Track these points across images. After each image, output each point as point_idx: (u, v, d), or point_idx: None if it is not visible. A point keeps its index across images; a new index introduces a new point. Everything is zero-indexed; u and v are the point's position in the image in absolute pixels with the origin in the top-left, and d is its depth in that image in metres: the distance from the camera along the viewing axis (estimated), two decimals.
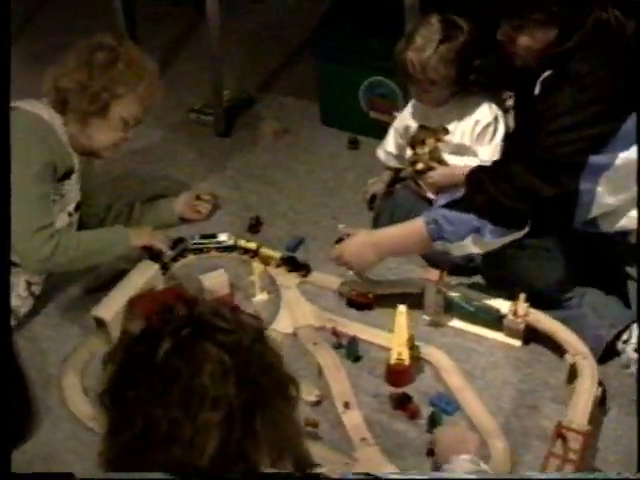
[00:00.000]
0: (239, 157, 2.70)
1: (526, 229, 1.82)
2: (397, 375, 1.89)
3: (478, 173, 1.87)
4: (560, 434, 1.66)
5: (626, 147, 1.71)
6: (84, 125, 2.03)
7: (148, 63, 2.07)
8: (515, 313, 1.94)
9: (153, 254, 2.16)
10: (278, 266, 2.19)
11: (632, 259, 1.89)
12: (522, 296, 1.95)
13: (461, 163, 2.14)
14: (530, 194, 1.77)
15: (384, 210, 2.30)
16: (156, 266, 2.15)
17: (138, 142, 2.57)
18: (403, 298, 2.06)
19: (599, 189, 1.75)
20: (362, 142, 2.70)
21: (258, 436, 1.05)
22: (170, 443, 1.01)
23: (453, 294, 2.01)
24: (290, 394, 1.12)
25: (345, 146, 2.70)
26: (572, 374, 1.85)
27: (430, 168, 2.17)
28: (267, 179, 2.59)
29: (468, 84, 2.09)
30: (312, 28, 3.01)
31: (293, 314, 2.07)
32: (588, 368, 1.82)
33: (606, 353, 1.92)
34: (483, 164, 2.05)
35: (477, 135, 2.11)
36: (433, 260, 2.13)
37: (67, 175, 2.02)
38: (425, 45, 2.01)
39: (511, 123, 2.18)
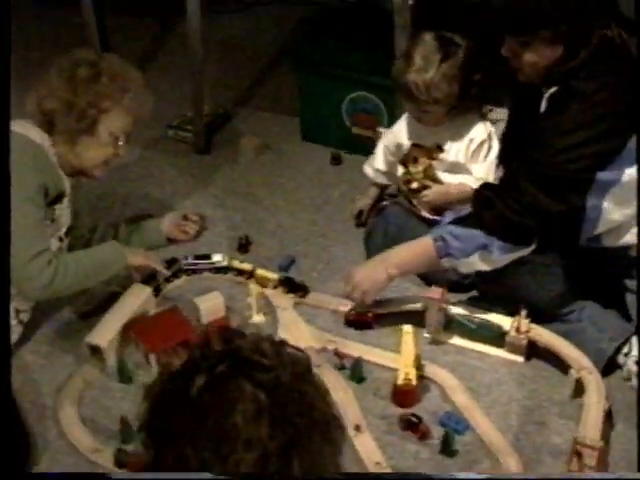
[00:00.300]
0: (221, 174, 2.66)
1: (533, 246, 1.84)
2: (404, 395, 1.87)
3: (485, 190, 1.87)
4: (575, 450, 1.68)
5: (632, 163, 1.74)
6: (73, 144, 1.97)
7: (132, 73, 2.02)
8: (518, 329, 1.95)
9: (146, 275, 2.11)
10: (275, 287, 2.16)
11: (631, 272, 1.93)
12: (523, 312, 1.96)
13: (455, 181, 2.15)
14: (538, 210, 1.79)
15: (376, 227, 2.28)
16: (148, 289, 2.10)
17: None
18: (402, 317, 2.06)
19: (605, 205, 1.78)
20: (345, 158, 2.69)
21: (293, 471, 1.02)
22: None
23: (454, 311, 2.02)
24: (332, 435, 1.09)
25: (328, 162, 2.68)
26: (578, 389, 1.87)
27: (425, 187, 2.17)
28: (252, 197, 2.55)
29: (469, 100, 2.09)
30: (285, 41, 3.01)
31: (292, 336, 2.03)
32: (594, 382, 1.83)
33: (607, 366, 1.94)
34: (486, 182, 2.08)
35: (472, 153, 2.12)
36: (429, 278, 2.14)
37: (58, 198, 1.95)
38: (427, 65, 2.01)
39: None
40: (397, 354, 1.93)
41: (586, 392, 1.82)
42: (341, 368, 1.95)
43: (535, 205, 1.78)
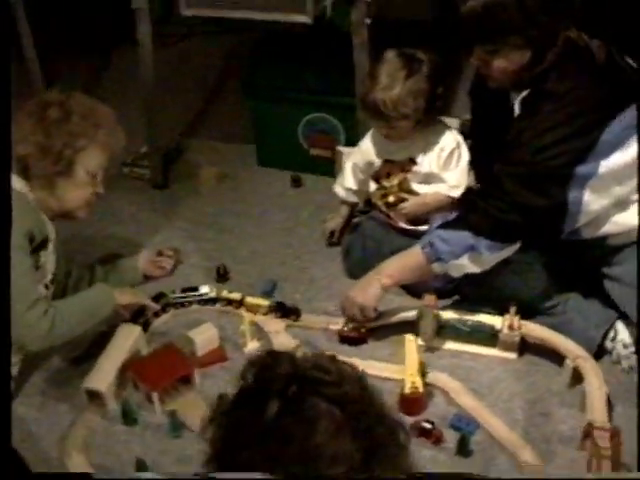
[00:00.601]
0: (184, 207, 2.64)
1: (519, 244, 1.92)
2: (413, 403, 1.90)
3: (470, 194, 1.94)
4: (587, 434, 1.74)
5: (606, 155, 1.83)
6: (51, 188, 1.93)
7: (102, 109, 2.00)
8: (510, 327, 2.01)
9: (134, 312, 2.08)
10: (266, 313, 2.15)
11: (608, 260, 2.02)
12: (512, 309, 2.03)
13: (430, 191, 2.21)
14: (523, 207, 1.86)
15: (354, 244, 2.32)
16: (138, 328, 2.06)
17: None
18: (394, 328, 2.10)
19: (585, 197, 1.86)
20: (304, 179, 2.72)
21: None
22: None
23: (447, 316, 2.06)
24: (402, 440, 1.11)
25: (288, 185, 2.71)
26: (575, 377, 1.94)
27: (402, 199, 2.22)
28: (220, 226, 2.55)
29: (434, 112, 2.16)
30: (226, 68, 3.00)
31: None
32: (591, 369, 1.91)
33: (596, 353, 2.02)
34: (469, 187, 2.16)
35: (443, 162, 2.18)
36: (412, 287, 2.18)
37: (43, 244, 1.90)
38: (392, 83, 2.06)
39: None
40: (396, 365, 1.96)
41: (585, 379, 1.89)
42: None
43: (520, 202, 1.85)
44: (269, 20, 2.24)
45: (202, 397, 1.95)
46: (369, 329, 2.10)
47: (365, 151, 2.28)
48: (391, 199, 2.23)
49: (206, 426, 1.09)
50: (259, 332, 2.14)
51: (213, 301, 2.20)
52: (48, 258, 1.94)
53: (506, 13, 1.79)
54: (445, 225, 1.95)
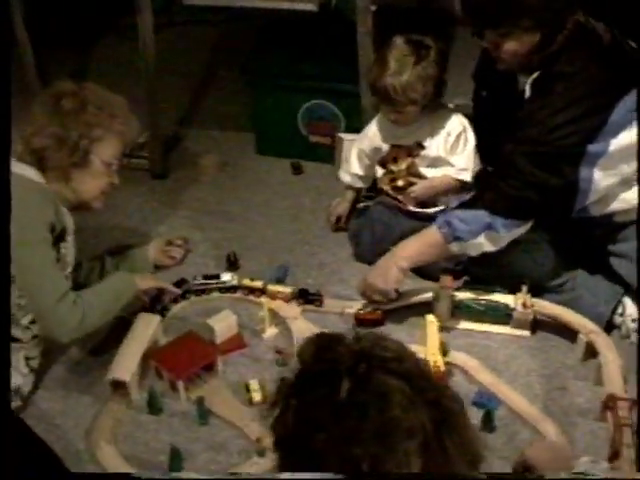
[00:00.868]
0: (187, 196, 2.64)
1: (532, 221, 1.97)
2: None
3: (485, 174, 1.98)
4: (607, 406, 1.80)
5: (615, 134, 1.89)
6: (67, 180, 1.92)
7: (115, 98, 1.99)
8: (524, 305, 2.07)
9: (152, 298, 2.10)
10: (289, 301, 2.17)
11: (614, 237, 2.08)
12: (524, 288, 2.08)
13: (438, 174, 2.24)
14: (537, 185, 1.91)
15: (362, 228, 2.35)
16: (157, 317, 2.07)
17: None
18: (409, 310, 2.14)
19: (595, 175, 1.92)
20: (304, 166, 2.73)
21: (450, 452, 1.07)
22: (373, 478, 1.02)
23: (461, 296, 2.11)
24: (465, 410, 1.15)
25: (289, 172, 2.72)
26: (588, 351, 2.00)
27: (410, 183, 2.25)
28: (225, 214, 2.56)
29: (440, 97, 2.20)
30: (223, 56, 2.98)
31: None
32: (604, 343, 1.97)
33: (605, 328, 2.09)
34: (462, 171, 2.20)
35: (450, 146, 2.21)
36: (422, 269, 2.22)
37: (61, 236, 1.90)
38: (401, 68, 2.09)
39: None
40: (417, 345, 2.00)
41: (600, 353, 1.95)
42: None
43: (534, 180, 1.90)
44: (275, 8, 2.25)
45: (225, 384, 1.98)
46: (385, 311, 2.13)
47: (372, 137, 2.30)
48: (400, 183, 2.26)
49: (268, 411, 1.11)
50: (276, 318, 2.15)
51: (234, 289, 2.21)
52: (68, 250, 1.93)
53: None
54: (462, 205, 1.99)
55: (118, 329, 2.07)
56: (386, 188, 2.31)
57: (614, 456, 1.70)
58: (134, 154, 2.74)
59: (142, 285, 2.03)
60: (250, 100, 2.76)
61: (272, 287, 2.19)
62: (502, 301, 2.09)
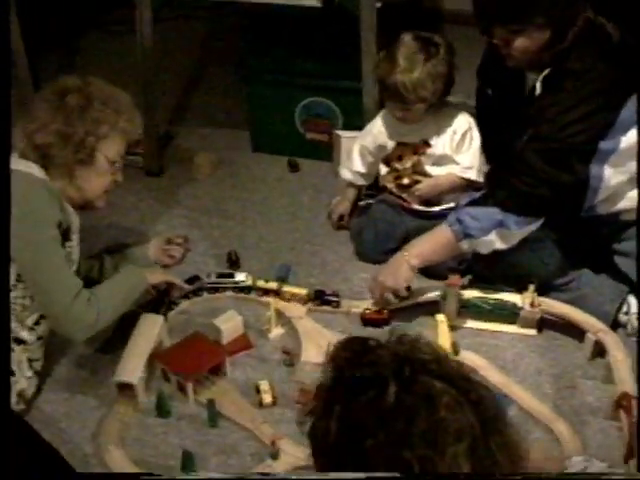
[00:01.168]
0: (183, 194, 2.60)
1: (543, 218, 1.96)
2: None
3: (496, 171, 1.97)
4: (620, 405, 1.81)
5: (625, 132, 1.89)
6: (71, 177, 1.87)
7: (120, 94, 1.95)
8: (532, 304, 2.06)
9: (160, 292, 2.08)
10: (305, 302, 2.13)
11: (619, 236, 2.09)
12: (531, 287, 2.07)
13: (443, 172, 2.23)
14: (549, 182, 1.90)
15: (365, 227, 2.33)
16: (161, 318, 2.03)
17: None
18: (415, 309, 2.12)
19: (606, 173, 1.92)
20: (300, 163, 2.71)
21: (496, 452, 1.06)
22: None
23: (469, 295, 2.10)
24: (505, 410, 1.14)
25: (285, 170, 2.69)
26: (596, 350, 2.00)
27: (416, 181, 2.24)
28: (223, 212, 2.52)
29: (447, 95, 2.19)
30: (216, 53, 2.93)
31: (317, 343, 2.03)
32: (613, 342, 1.97)
33: (610, 326, 2.10)
34: (467, 169, 2.19)
35: (456, 144, 2.21)
36: (428, 268, 2.21)
37: (67, 235, 1.85)
38: (411, 65, 2.08)
39: None
40: None
41: (609, 352, 1.95)
42: None
43: (545, 177, 1.90)
44: (277, 4, 2.21)
45: (233, 385, 1.94)
46: (391, 311, 2.12)
47: (376, 134, 2.28)
48: (405, 181, 2.25)
49: (304, 418, 1.09)
50: (281, 318, 2.12)
51: (248, 289, 2.17)
52: (73, 249, 1.89)
53: None
54: (472, 202, 1.98)
55: (123, 326, 2.01)
56: (390, 186, 2.29)
57: (629, 455, 1.71)
58: (130, 151, 2.69)
59: (152, 279, 2.01)
60: (244, 97, 2.73)
61: (287, 289, 2.15)
62: (510, 300, 2.09)
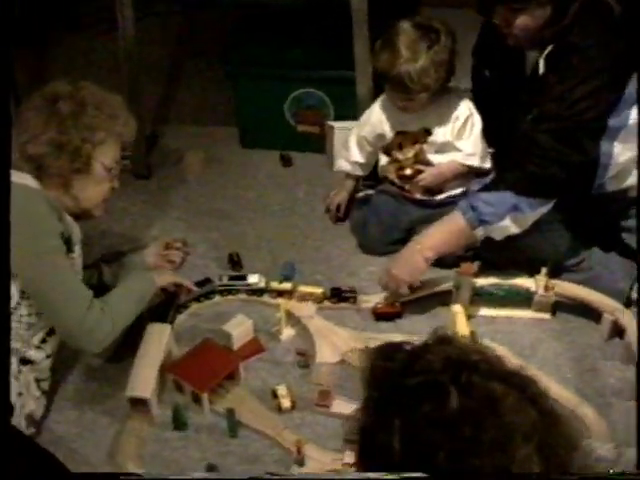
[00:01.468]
0: (174, 196, 2.52)
1: (555, 199, 1.93)
2: None
3: (504, 155, 1.92)
4: None
5: (632, 106, 1.86)
6: (67, 187, 1.80)
7: (113, 97, 1.87)
8: (546, 287, 2.03)
9: (168, 295, 2.02)
10: (321, 301, 2.08)
11: (627, 214, 2.06)
12: (544, 270, 2.04)
13: (445, 160, 2.18)
14: (561, 162, 1.87)
15: (368, 218, 2.27)
16: (168, 327, 1.96)
17: None
18: (427, 300, 2.08)
19: (615, 150, 1.90)
20: (293, 157, 2.63)
21: (559, 446, 1.01)
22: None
23: (481, 282, 2.05)
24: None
25: (277, 165, 2.62)
26: (614, 330, 1.98)
27: (419, 172, 2.18)
28: (218, 212, 2.44)
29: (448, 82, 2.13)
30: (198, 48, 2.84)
31: (331, 342, 1.98)
32: (631, 321, 1.95)
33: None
34: (470, 156, 2.15)
35: (457, 131, 2.16)
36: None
37: (69, 247, 1.77)
38: (414, 55, 2.02)
39: None
40: None
41: (628, 331, 1.92)
42: None
43: (557, 157, 1.87)
44: None
45: (249, 392, 1.88)
46: (403, 303, 2.07)
47: (375, 123, 2.22)
48: (408, 172, 2.19)
49: (353, 436, 1.03)
50: (291, 318, 2.06)
51: (261, 291, 2.11)
52: (76, 260, 1.81)
53: None
54: (484, 188, 1.93)
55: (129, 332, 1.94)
56: (392, 177, 2.23)
57: None
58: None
59: (160, 281, 1.95)
60: (230, 92, 2.64)
61: (303, 288, 2.09)
62: (523, 285, 2.05)
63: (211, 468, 1.67)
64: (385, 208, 2.25)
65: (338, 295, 2.09)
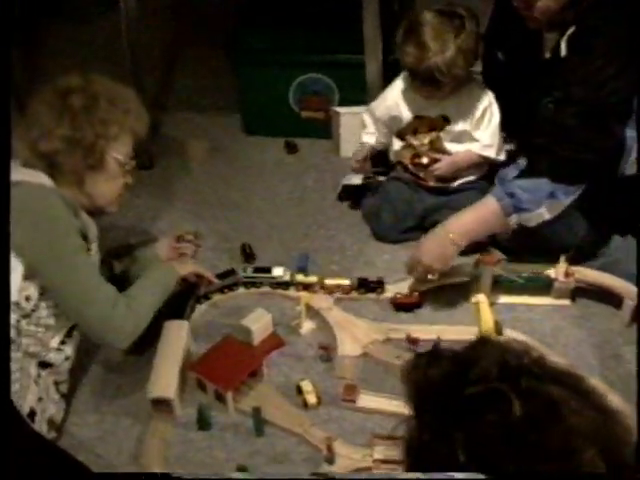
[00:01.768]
0: (180, 186, 2.46)
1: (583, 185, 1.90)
2: None
3: (535, 140, 1.88)
4: None
5: None
6: (80, 184, 1.74)
7: (125, 90, 1.81)
8: (566, 274, 2.01)
9: (189, 285, 1.99)
10: (348, 292, 2.04)
11: None
12: (563, 257, 2.02)
13: (461, 149, 2.15)
14: (593, 147, 1.84)
15: (382, 207, 2.23)
16: (186, 323, 1.92)
17: None
18: (445, 289, 2.05)
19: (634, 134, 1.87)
20: (298, 144, 2.59)
21: (618, 442, 1.00)
22: None
23: (501, 270, 2.03)
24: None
25: (282, 152, 2.57)
26: (632, 316, 1.97)
27: (435, 160, 2.15)
28: (226, 203, 2.39)
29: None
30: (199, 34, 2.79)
31: (352, 334, 1.95)
32: None
33: None
34: (487, 147, 2.13)
35: (476, 120, 2.12)
36: None
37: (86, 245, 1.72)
38: (442, 46, 1.98)
39: None
40: (467, 326, 1.93)
41: None
42: None
43: (587, 142, 1.83)
44: None
45: (273, 388, 1.84)
46: (421, 293, 2.04)
47: (391, 105, 2.18)
48: (425, 160, 2.15)
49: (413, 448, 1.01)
50: (309, 311, 2.01)
51: (286, 284, 2.07)
52: (93, 258, 1.76)
53: None
54: (520, 175, 1.88)
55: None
56: (406, 162, 2.19)
57: None
58: None
59: (182, 271, 1.91)
60: (230, 78, 2.60)
61: (330, 281, 2.05)
62: (543, 272, 2.03)
63: (241, 469, 1.63)
64: (398, 196, 2.21)
65: (366, 285, 2.05)
